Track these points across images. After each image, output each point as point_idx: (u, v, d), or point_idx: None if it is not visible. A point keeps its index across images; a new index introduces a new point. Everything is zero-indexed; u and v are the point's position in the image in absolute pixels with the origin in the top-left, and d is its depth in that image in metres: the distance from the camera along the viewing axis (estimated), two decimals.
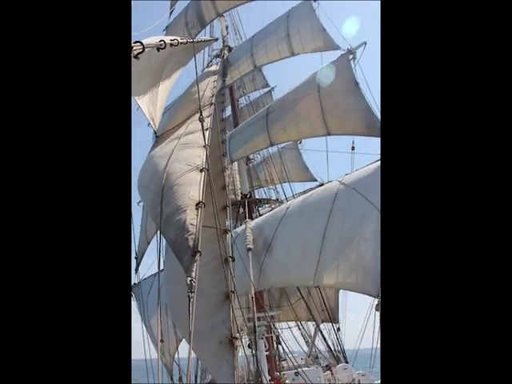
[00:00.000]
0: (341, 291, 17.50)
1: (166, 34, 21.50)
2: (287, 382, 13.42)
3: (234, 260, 6.54)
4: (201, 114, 6.41)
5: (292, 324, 21.16)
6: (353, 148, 13.86)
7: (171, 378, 16.12)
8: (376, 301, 10.05)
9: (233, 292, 6.09)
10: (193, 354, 5.24)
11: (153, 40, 5.95)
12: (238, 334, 5.89)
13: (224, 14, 21.18)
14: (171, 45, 6.38)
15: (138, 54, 5.31)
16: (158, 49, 5.93)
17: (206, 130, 6.51)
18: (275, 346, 14.72)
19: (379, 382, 12.60)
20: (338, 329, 17.64)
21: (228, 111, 21.00)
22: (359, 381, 13.59)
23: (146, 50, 5.49)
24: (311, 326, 20.25)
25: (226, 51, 20.58)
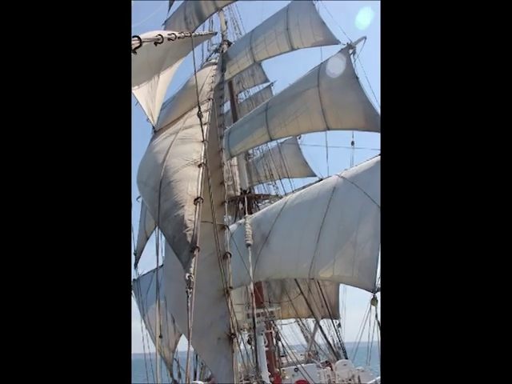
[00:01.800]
0: (341, 286, 17.55)
1: (165, 29, 21.46)
2: (287, 377, 13.44)
3: (230, 256, 6.52)
4: (199, 110, 6.37)
5: (292, 320, 21.22)
6: (352, 143, 13.86)
7: (171, 374, 16.15)
8: (372, 295, 10.02)
9: (231, 288, 6.07)
10: (192, 350, 5.23)
11: (150, 34, 5.92)
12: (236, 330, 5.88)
13: (223, 9, 21.11)
14: (169, 39, 6.35)
15: (136, 48, 5.29)
16: (156, 43, 5.91)
17: (205, 124, 6.48)
18: (275, 341, 14.74)
19: (379, 378, 12.63)
20: (339, 325, 17.66)
21: (227, 106, 20.98)
22: (359, 377, 13.61)
23: (144, 44, 5.46)
24: (311, 322, 20.30)
25: (225, 46, 20.52)
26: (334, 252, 11.45)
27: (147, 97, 6.59)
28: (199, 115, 6.36)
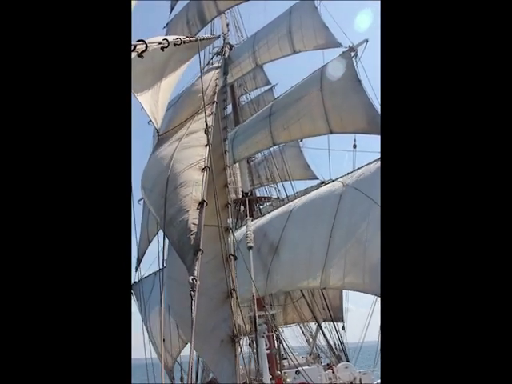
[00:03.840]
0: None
1: (167, 32, 21.50)
2: (288, 380, 13.41)
3: (236, 258, 6.53)
4: (206, 126, 6.39)
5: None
6: (354, 146, 13.85)
7: (171, 379, 16.09)
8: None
9: (234, 290, 6.08)
10: (194, 353, 5.24)
11: (156, 39, 5.92)
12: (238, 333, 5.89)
13: (225, 12, 21.13)
14: (175, 44, 6.35)
15: (142, 52, 5.28)
16: (162, 48, 5.89)
17: (209, 127, 6.50)
18: (276, 344, 14.71)
19: (379, 381, 12.61)
20: (343, 328, 17.63)
21: (229, 109, 20.99)
22: (360, 380, 13.58)
23: (149, 49, 5.45)
24: (313, 324, 20.25)
25: (226, 49, 20.54)
26: (344, 260, 11.46)
27: (151, 101, 6.59)
28: (206, 132, 6.38)
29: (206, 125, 6.45)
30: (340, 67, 14.18)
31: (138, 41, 5.28)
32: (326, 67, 14.79)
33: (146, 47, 5.28)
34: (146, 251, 17.22)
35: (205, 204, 5.33)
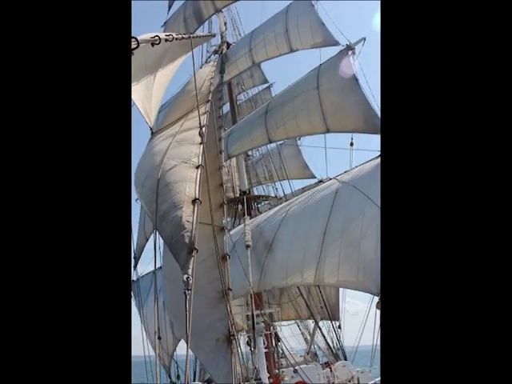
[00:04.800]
0: (340, 289, 17.55)
1: (165, 30, 21.50)
2: (286, 379, 13.41)
3: (229, 257, 6.50)
4: (200, 128, 6.37)
5: (292, 321, 21.22)
6: (351, 144, 13.83)
7: (169, 376, 16.16)
8: (377, 299, 10.08)
9: (229, 289, 6.05)
10: (190, 352, 5.22)
11: (148, 35, 5.92)
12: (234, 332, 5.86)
13: (222, 10, 21.12)
14: (166, 40, 6.35)
15: (133, 49, 5.28)
16: (153, 44, 5.90)
17: (203, 126, 6.48)
18: (274, 343, 14.72)
19: (379, 379, 12.61)
20: (339, 326, 17.67)
21: (226, 108, 20.98)
22: (358, 378, 13.60)
23: (141, 45, 5.45)
24: (311, 323, 20.29)
25: (224, 47, 20.53)
26: (338, 257, 11.50)
27: (144, 98, 6.58)
28: (201, 134, 6.36)
29: (200, 125, 6.42)
30: (337, 65, 14.16)
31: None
32: (324, 66, 14.77)
33: (138, 45, 5.28)
34: (143, 250, 17.24)
35: (198, 202, 5.30)
